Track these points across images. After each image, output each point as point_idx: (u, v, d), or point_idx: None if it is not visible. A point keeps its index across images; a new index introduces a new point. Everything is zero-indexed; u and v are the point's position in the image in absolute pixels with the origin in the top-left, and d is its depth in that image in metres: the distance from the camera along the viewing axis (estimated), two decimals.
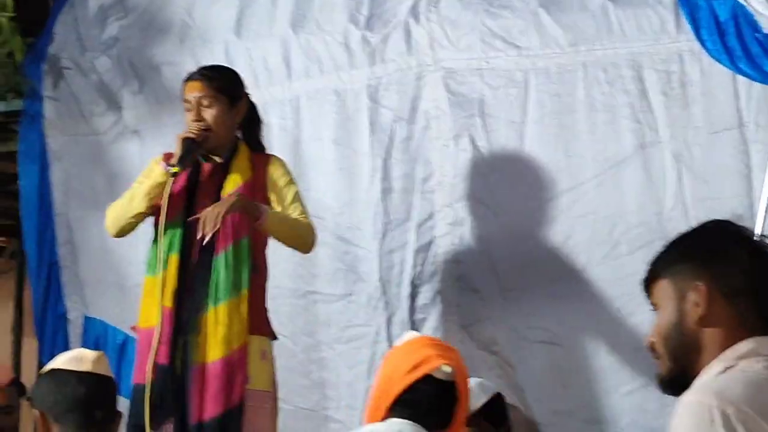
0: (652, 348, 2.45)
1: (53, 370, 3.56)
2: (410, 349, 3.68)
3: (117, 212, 4.67)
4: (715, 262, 2.37)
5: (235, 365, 4.45)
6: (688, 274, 2.38)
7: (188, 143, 4.52)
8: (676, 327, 2.37)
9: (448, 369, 3.56)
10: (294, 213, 4.62)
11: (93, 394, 3.50)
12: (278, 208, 4.62)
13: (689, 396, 2.20)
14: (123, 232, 4.69)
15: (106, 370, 3.60)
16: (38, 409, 3.50)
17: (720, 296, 2.34)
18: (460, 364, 3.67)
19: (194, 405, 4.43)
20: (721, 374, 2.26)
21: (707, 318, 2.33)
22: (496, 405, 4.66)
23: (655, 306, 2.46)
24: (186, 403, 4.45)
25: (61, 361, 3.58)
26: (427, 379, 3.54)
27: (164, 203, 4.49)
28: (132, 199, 4.61)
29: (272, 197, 4.64)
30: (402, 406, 3.51)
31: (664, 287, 2.42)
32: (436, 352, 3.62)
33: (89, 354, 3.62)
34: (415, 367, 3.56)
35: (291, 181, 4.70)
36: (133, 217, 4.61)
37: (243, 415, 4.44)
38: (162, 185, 4.51)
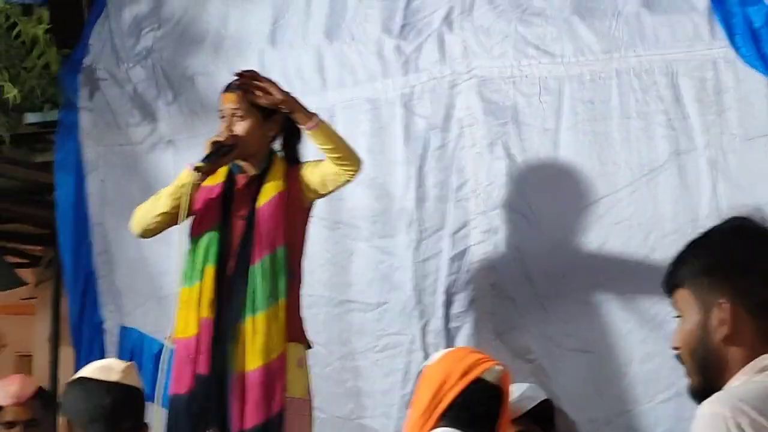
0: (677, 354, 2.44)
1: (81, 379, 3.57)
2: (457, 356, 3.76)
3: (142, 212, 4.70)
4: (739, 276, 2.33)
5: (274, 373, 4.45)
6: (711, 288, 2.35)
7: (216, 145, 4.53)
8: (701, 342, 2.36)
9: (498, 368, 3.68)
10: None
11: (120, 404, 3.51)
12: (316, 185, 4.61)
13: (705, 407, 2.19)
14: (146, 232, 4.72)
15: (134, 380, 3.61)
16: (66, 416, 3.52)
17: (745, 313, 2.31)
18: (505, 367, 3.78)
19: (235, 414, 4.44)
20: (739, 385, 2.25)
21: (733, 336, 2.31)
22: (544, 409, 4.67)
23: (677, 313, 2.44)
24: (226, 413, 4.46)
25: (89, 370, 3.59)
26: (479, 381, 3.63)
27: (183, 201, 4.51)
28: (157, 199, 4.64)
29: (310, 196, 4.64)
30: (458, 410, 3.56)
31: (687, 298, 2.40)
32: (484, 357, 3.74)
33: (118, 364, 3.64)
34: (468, 371, 3.64)
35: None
36: (156, 216, 4.63)
37: (283, 422, 4.45)
38: (186, 185, 4.53)
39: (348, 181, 4.57)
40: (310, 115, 4.54)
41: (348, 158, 4.53)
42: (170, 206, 4.58)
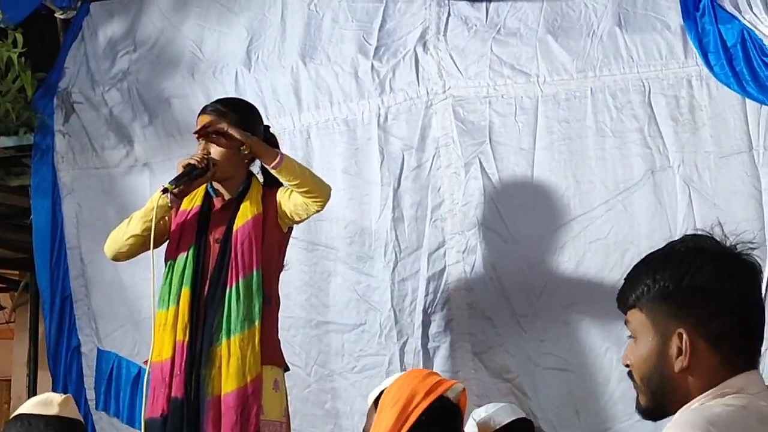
0: (629, 372, 2.35)
1: (20, 416, 3.54)
2: (419, 376, 3.81)
3: (114, 236, 4.70)
4: (699, 304, 2.24)
5: (249, 397, 4.44)
6: (669, 315, 2.25)
7: (188, 168, 4.52)
8: (657, 370, 2.27)
9: (459, 386, 3.75)
10: None
11: None
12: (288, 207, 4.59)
13: (672, 429, 2.15)
14: (119, 255, 4.73)
15: (73, 413, 3.59)
16: None
17: (703, 343, 2.23)
18: (466, 399, 3.85)
19: None
20: (703, 406, 2.20)
21: (690, 368, 2.23)
22: (523, 426, 4.66)
23: (631, 333, 2.34)
24: None
25: (28, 407, 3.57)
26: (443, 399, 3.68)
27: (154, 221, 4.50)
28: (128, 223, 4.64)
29: (286, 221, 4.63)
30: (423, 427, 3.60)
31: (642, 321, 2.30)
32: (442, 378, 3.83)
33: (56, 397, 3.60)
34: (432, 390, 3.68)
35: None
36: (127, 239, 4.63)
37: None
38: (158, 208, 4.54)
39: (317, 210, 4.56)
40: (274, 154, 4.53)
41: (314, 190, 4.51)
42: (141, 229, 4.58)
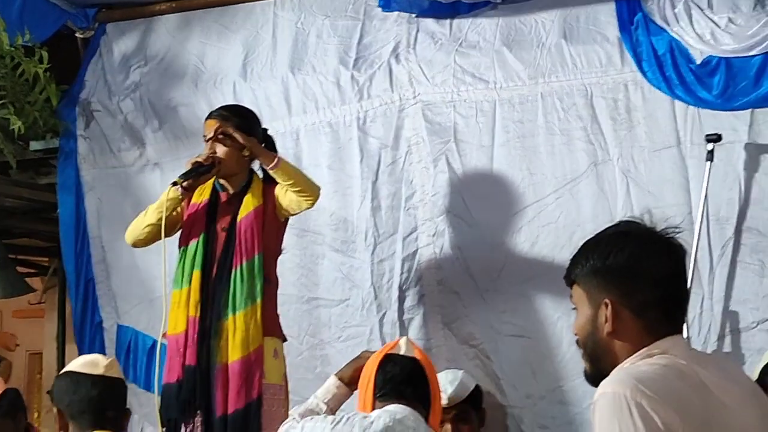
0: (577, 340, 2.43)
1: (70, 372, 3.53)
2: (374, 355, 3.74)
3: (133, 225, 4.72)
4: (622, 278, 2.31)
5: (252, 364, 4.46)
6: (599, 288, 2.33)
7: (195, 165, 4.55)
8: (590, 335, 2.35)
9: (402, 341, 3.66)
10: None
11: (105, 395, 3.49)
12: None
13: (604, 387, 2.18)
14: (137, 242, 4.73)
15: (117, 373, 3.59)
16: (56, 406, 3.48)
17: (628, 312, 2.30)
18: (419, 348, 3.75)
19: (219, 400, 4.44)
20: (631, 366, 2.25)
21: (616, 332, 2.30)
22: (476, 394, 4.71)
23: (574, 305, 2.42)
24: (211, 399, 4.45)
25: (77, 365, 3.56)
26: (391, 357, 3.61)
27: (165, 212, 4.53)
28: (145, 214, 4.66)
29: (283, 213, 4.63)
30: (380, 388, 3.54)
31: (580, 294, 2.39)
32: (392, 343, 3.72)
33: (102, 359, 3.61)
34: (381, 352, 3.66)
35: None
36: (144, 228, 4.64)
37: (261, 406, 4.45)
38: (170, 200, 4.57)
39: (308, 207, 4.58)
40: (272, 157, 4.55)
41: (306, 189, 4.54)
42: (156, 219, 4.59)
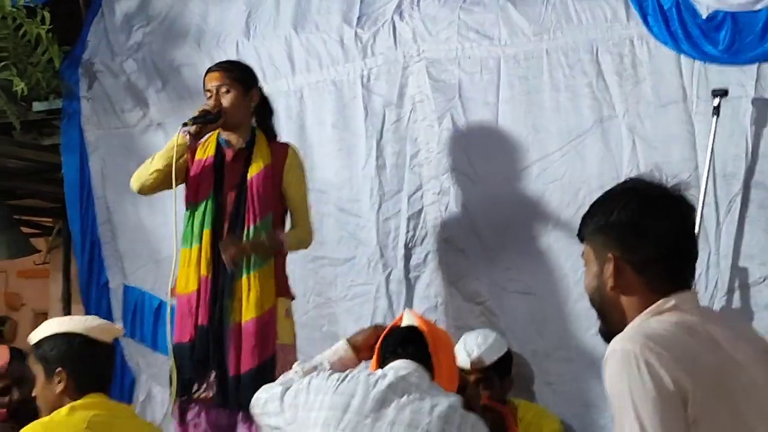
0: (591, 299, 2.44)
1: (86, 337, 3.44)
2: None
3: (140, 172, 4.71)
4: (624, 235, 2.33)
5: (266, 323, 4.49)
6: (604, 245, 2.35)
7: (203, 112, 4.56)
8: (597, 290, 2.37)
9: (406, 313, 3.68)
10: (300, 220, 4.71)
11: (113, 362, 3.58)
12: (288, 192, 4.66)
13: (616, 344, 2.19)
14: (143, 188, 4.71)
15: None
16: (59, 365, 3.41)
17: (629, 267, 2.31)
18: (423, 318, 3.73)
19: (232, 360, 4.46)
20: (642, 323, 2.26)
21: (619, 287, 2.32)
22: (504, 360, 4.71)
23: (584, 261, 2.44)
24: (224, 358, 4.46)
25: (90, 328, 3.48)
26: (395, 329, 3.63)
27: (174, 156, 4.53)
28: (152, 160, 4.65)
29: (284, 181, 4.65)
30: (383, 357, 3.56)
31: (588, 251, 2.40)
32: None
33: (117, 329, 3.60)
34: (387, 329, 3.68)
35: (302, 179, 4.74)
36: (151, 173, 4.63)
37: (275, 365, 4.47)
38: (178, 146, 4.56)
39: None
40: (280, 245, 4.59)
41: (304, 246, 4.77)
42: (163, 164, 4.59)
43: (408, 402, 3.31)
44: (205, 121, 4.54)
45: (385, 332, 3.64)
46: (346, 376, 3.43)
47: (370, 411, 3.29)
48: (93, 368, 3.41)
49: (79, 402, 3.32)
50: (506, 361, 4.72)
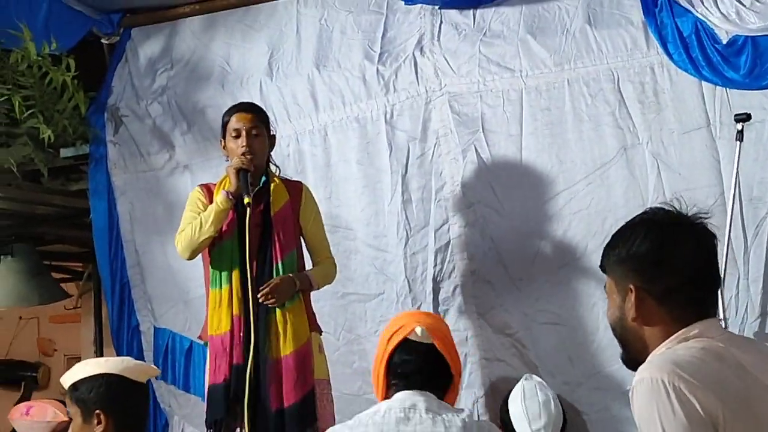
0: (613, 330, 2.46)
1: (125, 379, 3.49)
2: (390, 323, 3.60)
3: (187, 240, 4.61)
4: (645, 266, 2.34)
5: (304, 357, 4.51)
6: (625, 276, 2.36)
7: (243, 173, 4.54)
8: (619, 322, 2.39)
9: (419, 330, 3.42)
10: (322, 254, 4.78)
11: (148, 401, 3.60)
12: (307, 228, 4.73)
13: (641, 373, 2.20)
14: (195, 254, 4.65)
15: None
16: (97, 408, 3.43)
17: (650, 298, 2.32)
18: (437, 326, 3.55)
19: (273, 394, 4.46)
20: (668, 351, 2.26)
21: (641, 318, 2.33)
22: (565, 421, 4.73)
23: (607, 293, 2.46)
24: (263, 395, 4.46)
25: (129, 370, 3.52)
26: (406, 344, 3.41)
27: (247, 231, 4.50)
28: (201, 227, 4.56)
29: (302, 218, 4.71)
30: (395, 377, 3.40)
31: (609, 283, 2.43)
32: (412, 319, 3.52)
33: (152, 369, 3.63)
34: (394, 334, 3.45)
35: (318, 215, 4.80)
36: (203, 240, 4.57)
37: (316, 399, 4.50)
38: (226, 212, 4.54)
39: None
40: (311, 283, 4.66)
41: (329, 281, 4.83)
42: (215, 230, 4.57)
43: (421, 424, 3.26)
44: (246, 181, 4.54)
45: (396, 343, 3.44)
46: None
47: None
48: (131, 409, 3.44)
49: None
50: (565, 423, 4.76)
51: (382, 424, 3.29)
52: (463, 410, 3.37)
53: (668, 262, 2.33)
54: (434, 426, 3.27)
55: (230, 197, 4.52)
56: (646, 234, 2.36)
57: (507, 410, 4.73)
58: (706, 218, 2.40)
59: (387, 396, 3.41)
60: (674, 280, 2.32)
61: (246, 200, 4.48)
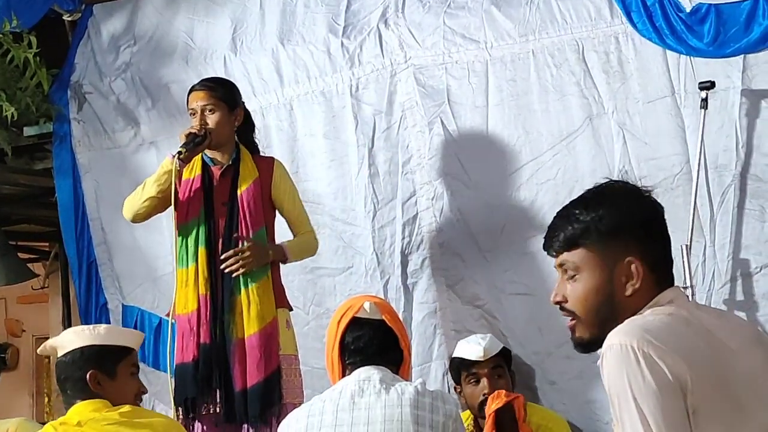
0: (562, 308, 2.37)
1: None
2: (338, 308, 3.66)
3: (131, 200, 4.67)
4: (641, 235, 2.29)
5: (269, 336, 4.50)
6: (618, 247, 2.29)
7: (190, 136, 4.54)
8: (608, 299, 2.29)
9: (367, 305, 3.50)
10: (301, 227, 4.74)
11: None
12: (284, 205, 4.70)
13: (610, 339, 2.17)
14: (136, 216, 4.67)
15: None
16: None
17: (646, 267, 2.29)
18: (384, 303, 3.65)
19: (237, 375, 4.46)
20: (638, 317, 2.24)
21: (639, 290, 2.28)
22: (507, 352, 4.75)
23: (571, 271, 2.35)
24: (229, 375, 4.47)
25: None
26: (356, 321, 3.49)
27: (173, 186, 4.48)
28: (143, 187, 4.61)
29: (275, 195, 4.69)
30: (349, 355, 3.47)
31: (586, 257, 2.32)
32: (359, 299, 3.59)
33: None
34: (343, 315, 3.53)
35: (294, 189, 4.78)
36: (144, 201, 4.59)
37: (281, 377, 4.50)
38: (169, 172, 4.52)
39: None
40: (283, 255, 4.63)
41: (311, 252, 4.82)
42: (156, 191, 4.57)
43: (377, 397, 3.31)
44: (194, 146, 4.53)
45: (347, 322, 3.51)
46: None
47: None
48: None
49: None
50: (508, 353, 4.79)
51: (339, 399, 3.35)
52: (417, 380, 3.42)
53: (657, 227, 2.32)
54: (387, 395, 3.31)
55: (173, 157, 4.50)
56: (637, 203, 2.32)
57: (455, 369, 4.77)
58: (650, 190, 2.38)
59: (343, 377, 3.47)
60: (661, 248, 2.32)
61: (180, 149, 4.48)
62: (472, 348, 4.64)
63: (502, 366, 4.68)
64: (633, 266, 2.28)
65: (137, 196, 4.64)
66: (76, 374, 3.48)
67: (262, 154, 4.84)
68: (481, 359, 4.61)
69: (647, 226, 2.32)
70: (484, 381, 4.60)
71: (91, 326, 3.67)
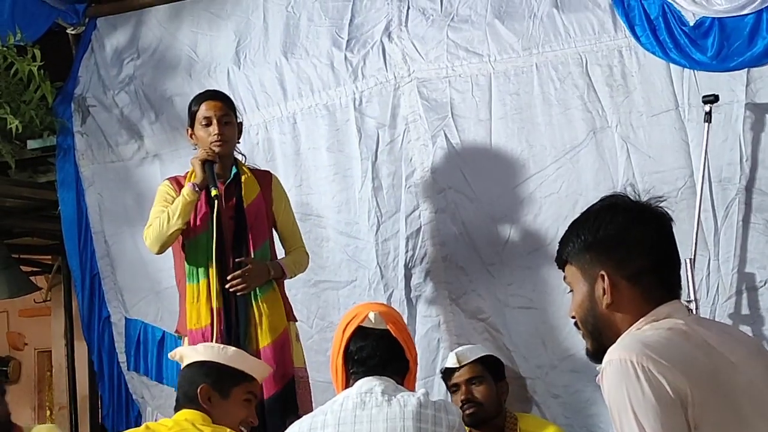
0: (575, 322, 2.43)
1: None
2: (344, 315, 3.70)
3: (156, 233, 4.57)
4: (616, 249, 2.33)
5: (283, 347, 4.54)
6: (592, 262, 2.34)
7: (209, 164, 4.53)
8: (590, 311, 2.36)
9: (372, 315, 3.54)
10: (295, 243, 4.81)
11: None
12: (279, 219, 4.76)
13: (610, 354, 2.20)
14: (164, 247, 4.62)
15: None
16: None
17: (624, 281, 2.32)
18: (390, 312, 3.67)
19: None
20: (637, 332, 2.27)
21: (615, 304, 2.32)
22: (493, 361, 4.74)
23: (569, 286, 2.43)
24: None
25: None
26: (361, 331, 3.53)
27: (213, 224, 4.51)
28: (169, 220, 4.54)
29: (275, 209, 4.74)
30: (353, 365, 3.50)
31: (574, 272, 2.40)
32: (365, 308, 3.63)
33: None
34: (349, 323, 3.57)
35: (289, 204, 4.84)
36: (172, 234, 4.54)
37: (296, 388, 4.54)
38: (193, 203, 4.52)
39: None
40: (284, 271, 4.67)
41: (302, 269, 4.85)
42: (182, 223, 4.53)
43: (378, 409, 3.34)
44: (212, 172, 4.53)
45: (352, 331, 3.56)
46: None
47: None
48: None
49: None
50: (497, 363, 4.79)
51: (340, 411, 3.38)
52: (420, 391, 3.44)
53: (637, 242, 2.33)
54: (390, 407, 3.34)
55: (196, 189, 4.51)
56: (611, 218, 2.36)
57: (444, 380, 4.80)
58: (660, 202, 2.42)
59: (347, 386, 3.50)
60: (644, 261, 2.33)
61: (213, 192, 4.47)
62: (450, 356, 4.72)
63: (482, 375, 4.69)
64: (605, 279, 2.32)
65: (163, 229, 4.56)
66: (191, 384, 3.61)
67: (254, 166, 4.86)
68: (456, 366, 4.65)
69: (624, 238, 2.34)
70: (462, 388, 4.64)
71: (222, 345, 3.83)
